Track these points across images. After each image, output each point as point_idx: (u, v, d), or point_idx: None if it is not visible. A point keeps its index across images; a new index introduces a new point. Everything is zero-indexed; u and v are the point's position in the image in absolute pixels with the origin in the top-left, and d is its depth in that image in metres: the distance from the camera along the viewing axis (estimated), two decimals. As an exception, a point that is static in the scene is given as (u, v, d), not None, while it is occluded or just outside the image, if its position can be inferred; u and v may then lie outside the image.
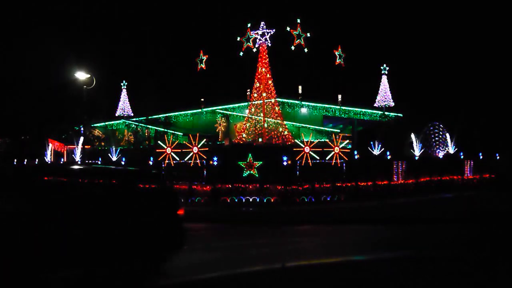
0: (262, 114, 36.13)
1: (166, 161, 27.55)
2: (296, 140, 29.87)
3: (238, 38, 35.66)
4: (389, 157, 31.18)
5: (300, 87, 45.34)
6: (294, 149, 27.05)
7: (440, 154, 37.79)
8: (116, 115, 54.69)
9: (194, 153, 26.87)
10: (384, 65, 50.40)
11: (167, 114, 50.38)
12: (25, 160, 44.73)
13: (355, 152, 29.85)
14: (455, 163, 36.29)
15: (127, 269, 9.62)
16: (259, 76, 36.35)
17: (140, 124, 48.31)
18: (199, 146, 27.01)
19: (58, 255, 8.20)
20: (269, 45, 36.04)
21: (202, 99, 49.31)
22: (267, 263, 11.02)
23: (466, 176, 36.89)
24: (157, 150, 28.87)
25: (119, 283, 9.39)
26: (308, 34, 34.96)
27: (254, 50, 35.58)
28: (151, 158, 29.36)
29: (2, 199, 8.03)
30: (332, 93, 47.76)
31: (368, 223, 19.01)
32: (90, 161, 34.44)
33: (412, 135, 34.69)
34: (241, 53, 35.68)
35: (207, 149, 27.43)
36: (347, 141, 33.40)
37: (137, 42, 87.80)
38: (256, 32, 35.93)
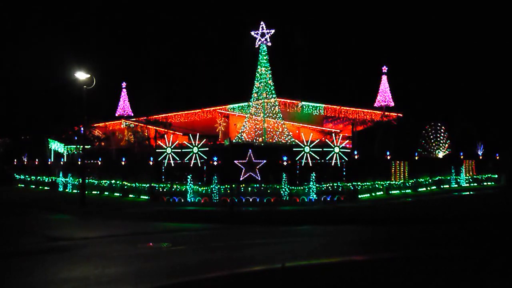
0: (262, 114, 36.13)
1: (166, 161, 27.55)
2: (296, 140, 29.87)
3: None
4: (389, 157, 31.17)
5: (299, 87, 45.40)
6: (294, 149, 27.04)
7: (440, 154, 37.79)
8: (116, 115, 54.69)
9: (194, 153, 26.87)
10: (384, 65, 50.46)
11: (167, 114, 50.39)
12: (25, 160, 44.79)
13: (355, 152, 29.85)
14: (455, 163, 36.30)
15: None
16: (259, 76, 36.36)
17: (140, 124, 48.27)
18: (199, 146, 27.02)
19: None
20: (269, 45, 36.06)
21: (202, 99, 49.40)
22: (267, 263, 11.03)
23: (467, 176, 36.92)
24: (157, 150, 28.87)
25: None
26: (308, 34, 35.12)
27: (254, 50, 35.62)
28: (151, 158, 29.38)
29: None
30: (332, 93, 47.79)
31: (367, 223, 19.02)
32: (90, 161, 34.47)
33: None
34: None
35: (207, 149, 27.43)
36: (347, 141, 33.38)
37: (137, 42, 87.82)
38: (256, 32, 35.96)
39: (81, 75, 25.11)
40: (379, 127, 42.27)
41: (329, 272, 10.32)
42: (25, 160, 44.84)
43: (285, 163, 26.39)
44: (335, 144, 27.16)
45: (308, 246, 14.14)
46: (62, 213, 23.80)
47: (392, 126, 40.81)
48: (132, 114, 54.61)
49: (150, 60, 76.87)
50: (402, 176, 31.90)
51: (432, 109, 49.61)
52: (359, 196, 27.91)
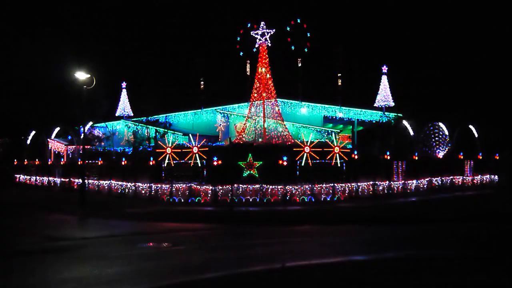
0: (262, 114, 36.11)
1: (166, 161, 27.54)
2: (296, 140, 29.86)
3: (238, 38, 35.73)
4: (389, 157, 31.13)
5: (300, 87, 45.30)
6: (294, 149, 27.03)
7: (440, 154, 37.74)
8: (116, 115, 54.62)
9: (194, 153, 26.86)
10: (384, 65, 50.38)
11: (167, 114, 50.35)
12: (25, 161, 44.76)
13: (355, 152, 29.82)
14: (455, 163, 36.26)
15: None
16: (259, 76, 36.34)
17: (140, 124, 48.22)
18: (199, 146, 27.02)
19: None
20: (269, 45, 36.03)
21: (202, 99, 49.31)
22: (267, 263, 11.03)
23: (466, 176, 36.89)
24: (157, 150, 28.86)
25: None
26: (308, 34, 35.23)
27: (254, 50, 35.59)
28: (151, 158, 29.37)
29: None
30: (332, 93, 47.66)
31: (367, 223, 19.02)
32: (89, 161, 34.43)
33: None
34: (241, 53, 35.75)
35: (207, 149, 27.43)
36: (347, 141, 33.43)
37: (137, 42, 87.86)
38: (256, 32, 35.93)
39: (81, 75, 25.09)
40: (379, 127, 42.26)
41: (329, 272, 10.32)
42: (25, 160, 44.82)
43: (285, 163, 26.38)
44: (335, 144, 27.16)
45: (308, 246, 14.14)
46: (62, 213, 23.81)
47: (392, 126, 40.77)
48: (132, 114, 54.54)
49: (150, 60, 76.80)
50: (402, 176, 31.85)
51: (432, 109, 49.56)
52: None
